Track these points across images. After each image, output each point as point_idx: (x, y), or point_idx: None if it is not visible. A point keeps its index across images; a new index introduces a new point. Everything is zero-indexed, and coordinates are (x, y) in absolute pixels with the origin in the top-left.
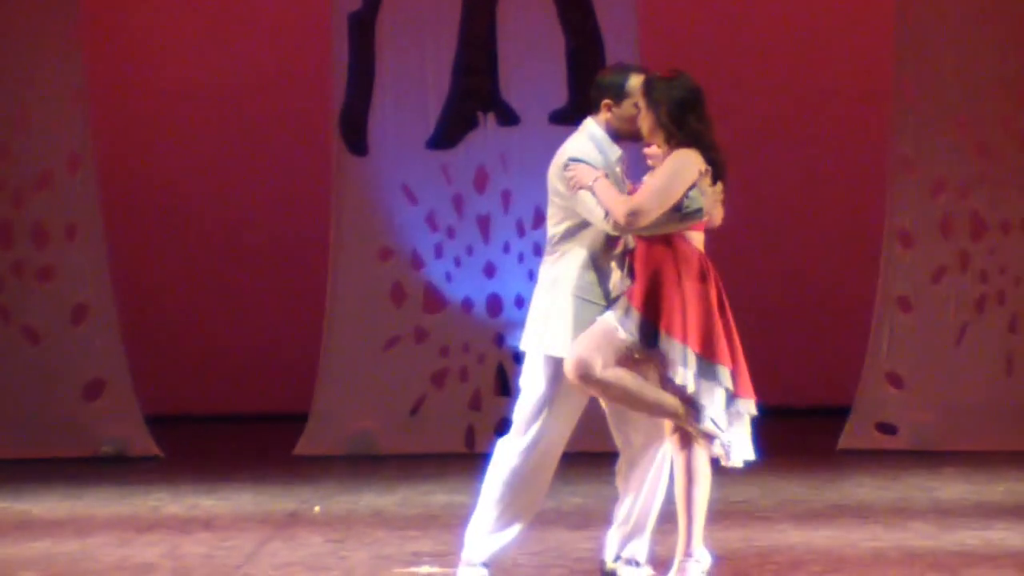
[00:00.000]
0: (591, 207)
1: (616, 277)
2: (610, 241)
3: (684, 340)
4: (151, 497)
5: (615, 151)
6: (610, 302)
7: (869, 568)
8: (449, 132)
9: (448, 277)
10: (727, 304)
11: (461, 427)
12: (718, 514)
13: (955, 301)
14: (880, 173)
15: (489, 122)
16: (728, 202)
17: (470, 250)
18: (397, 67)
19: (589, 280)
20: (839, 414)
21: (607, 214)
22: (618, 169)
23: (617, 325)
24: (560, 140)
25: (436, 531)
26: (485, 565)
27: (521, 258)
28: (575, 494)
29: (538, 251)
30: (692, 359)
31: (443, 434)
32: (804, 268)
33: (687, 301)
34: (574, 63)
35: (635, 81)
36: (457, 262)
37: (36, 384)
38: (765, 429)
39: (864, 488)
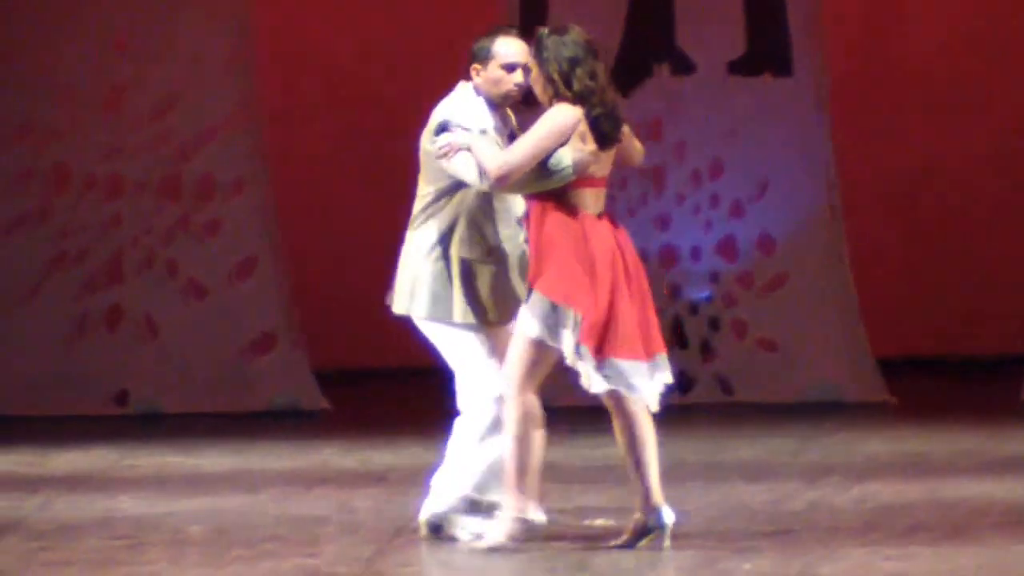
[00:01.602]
0: (465, 168)
1: (515, 236)
2: (485, 201)
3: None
4: (321, 452)
5: (491, 115)
6: (499, 261)
7: None
8: (622, 82)
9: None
10: (628, 268)
11: None
12: (895, 466)
13: None
14: None
15: (663, 71)
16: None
17: (643, 200)
18: (570, 16)
19: (466, 238)
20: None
21: (482, 173)
22: (498, 137)
23: (541, 333)
24: (738, 91)
25: (607, 485)
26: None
27: (696, 209)
28: (751, 444)
29: (715, 202)
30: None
31: None
32: (983, 216)
33: (561, 262)
34: (751, 11)
35: (502, 44)
36: (630, 212)
37: (204, 338)
38: (945, 380)
39: None
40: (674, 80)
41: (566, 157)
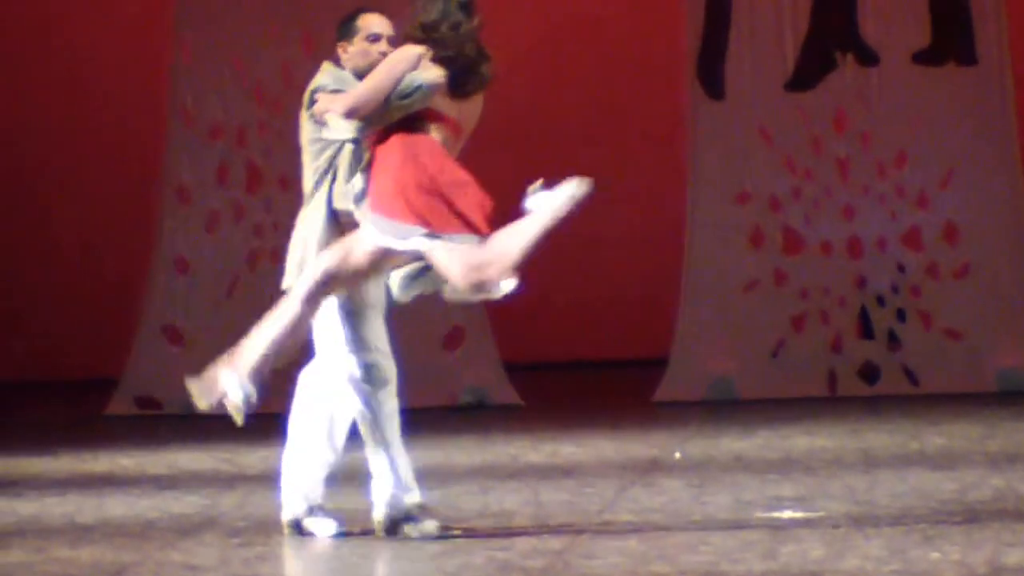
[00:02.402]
0: (338, 125)
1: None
2: (357, 159)
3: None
4: (511, 445)
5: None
6: None
7: None
8: (807, 73)
9: (807, 219)
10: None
11: (822, 370)
12: None
13: None
14: None
15: (848, 62)
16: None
17: (828, 192)
18: (754, 8)
19: (342, 192)
20: None
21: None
22: None
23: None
24: (922, 81)
25: (797, 475)
26: None
27: (882, 199)
28: (939, 434)
29: (900, 192)
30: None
31: (803, 378)
32: None
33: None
34: (935, 0)
35: (365, 19)
36: (816, 204)
37: (397, 334)
38: None
39: None
40: (858, 71)
41: (418, 78)
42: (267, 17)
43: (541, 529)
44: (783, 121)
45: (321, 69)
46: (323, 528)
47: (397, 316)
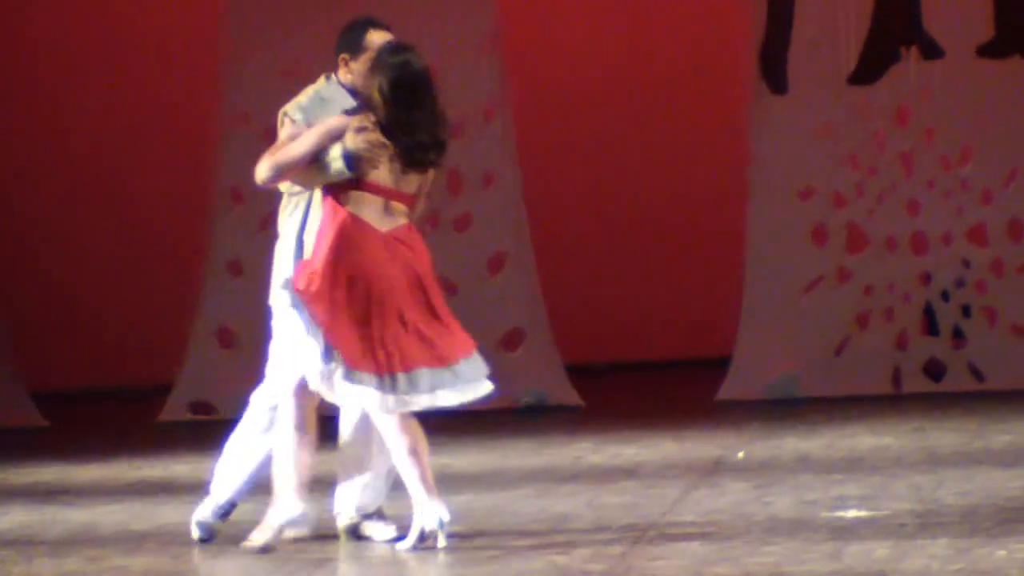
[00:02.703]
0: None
1: None
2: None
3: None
4: (573, 447)
5: (349, 106)
6: None
7: None
8: (870, 67)
9: (870, 215)
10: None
11: (887, 368)
12: None
13: None
14: None
15: (912, 55)
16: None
17: (892, 187)
18: (817, 1)
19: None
20: None
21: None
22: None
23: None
24: (987, 75)
25: (862, 474)
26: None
27: (947, 194)
28: (1005, 431)
29: (965, 186)
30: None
31: (868, 375)
32: None
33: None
34: None
35: (372, 37)
36: (880, 199)
37: None
38: None
39: None
40: (922, 65)
41: (336, 153)
42: (320, 17)
43: (602, 532)
44: (846, 115)
45: (316, 83)
46: (380, 533)
47: (456, 318)
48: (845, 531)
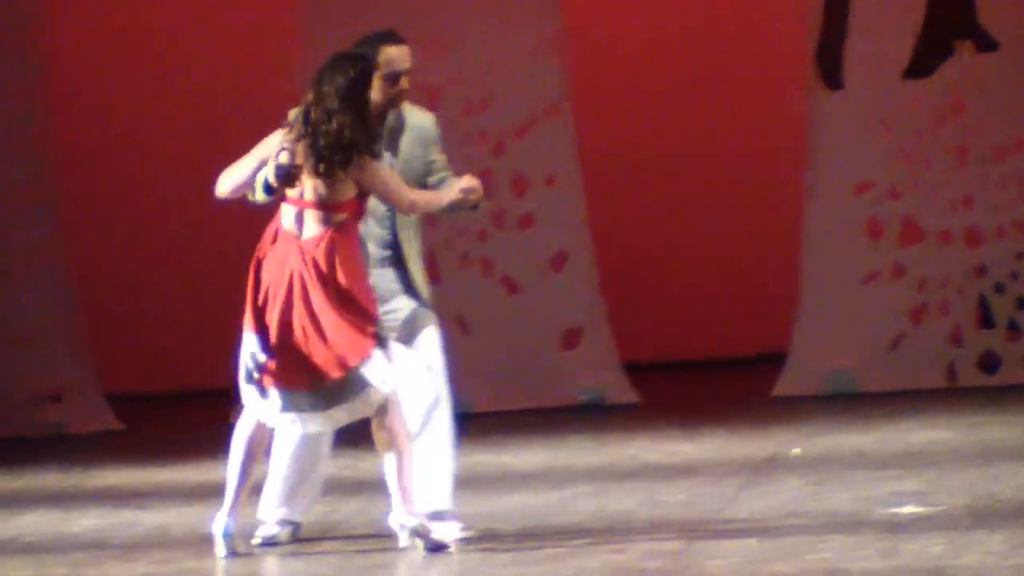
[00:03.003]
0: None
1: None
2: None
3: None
4: (630, 445)
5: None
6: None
7: None
8: (925, 61)
9: (925, 208)
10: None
11: (942, 362)
12: None
13: None
14: None
15: (966, 49)
16: None
17: (947, 180)
18: None
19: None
20: None
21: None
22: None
23: None
24: None
25: (918, 470)
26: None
27: (1001, 187)
28: None
29: (1019, 179)
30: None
31: (923, 370)
32: None
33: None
34: None
35: (386, 53)
36: (934, 192)
37: (517, 334)
38: None
39: None
40: (976, 58)
41: (260, 175)
42: (395, 18)
43: (659, 530)
44: (901, 109)
45: None
46: (445, 533)
47: (514, 317)
48: (901, 527)
